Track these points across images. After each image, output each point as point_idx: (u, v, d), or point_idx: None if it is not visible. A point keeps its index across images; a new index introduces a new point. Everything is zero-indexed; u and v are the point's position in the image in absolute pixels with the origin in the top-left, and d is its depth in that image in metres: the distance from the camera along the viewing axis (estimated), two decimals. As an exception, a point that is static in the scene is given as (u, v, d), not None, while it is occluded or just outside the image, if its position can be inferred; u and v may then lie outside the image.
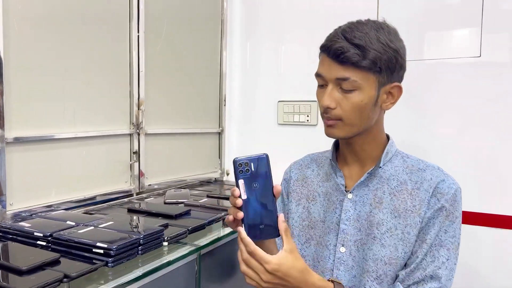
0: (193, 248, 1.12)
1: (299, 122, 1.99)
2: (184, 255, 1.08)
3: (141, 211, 1.39)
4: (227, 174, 2.14)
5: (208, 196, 1.62)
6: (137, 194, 1.64)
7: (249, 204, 0.77)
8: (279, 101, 2.03)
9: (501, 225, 1.58)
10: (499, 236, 1.58)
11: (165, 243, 1.11)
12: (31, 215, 1.24)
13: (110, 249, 0.95)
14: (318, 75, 0.89)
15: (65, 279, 0.86)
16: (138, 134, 1.62)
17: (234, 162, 0.77)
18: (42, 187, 1.30)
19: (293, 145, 2.01)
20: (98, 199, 1.48)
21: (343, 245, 0.90)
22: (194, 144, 1.94)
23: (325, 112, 0.88)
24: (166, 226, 1.19)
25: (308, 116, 1.96)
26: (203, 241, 1.17)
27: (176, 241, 1.14)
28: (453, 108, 1.65)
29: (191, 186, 1.89)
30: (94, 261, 0.95)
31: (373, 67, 0.82)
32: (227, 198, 1.61)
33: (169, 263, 1.03)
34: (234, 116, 2.16)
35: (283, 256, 0.76)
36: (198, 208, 1.44)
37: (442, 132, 1.67)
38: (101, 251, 0.96)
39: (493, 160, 1.59)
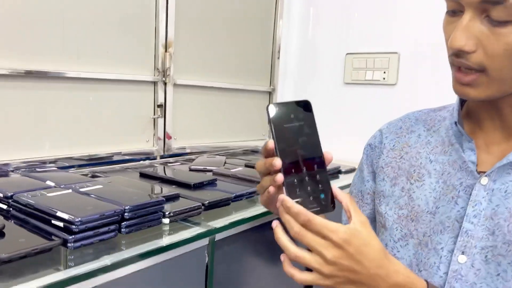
0: (204, 230, 0.78)
1: (372, 80, 1.56)
2: (189, 239, 0.75)
3: (155, 176, 1.08)
4: (278, 144, 1.78)
5: (246, 166, 1.27)
6: (161, 157, 1.34)
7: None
8: (347, 54, 1.62)
9: None
10: None
11: (166, 220, 0.78)
12: (13, 170, 0.98)
13: (72, 223, 0.64)
14: None
15: (-7, 261, 0.57)
16: (165, 84, 1.31)
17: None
18: (32, 137, 1.03)
19: (364, 111, 1.60)
20: (112, 158, 1.20)
21: (463, 253, 0.62)
22: (238, 103, 1.59)
23: (457, 56, 0.56)
24: (176, 197, 0.87)
25: (385, 72, 1.53)
26: (221, 222, 0.82)
27: (183, 218, 0.81)
28: None
29: (232, 154, 1.56)
30: (52, 237, 0.65)
31: None
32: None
33: (163, 249, 0.70)
34: (289, 73, 1.78)
35: (354, 228, 0.55)
36: (228, 178, 1.10)
37: None
38: (61, 224, 0.66)
39: None
